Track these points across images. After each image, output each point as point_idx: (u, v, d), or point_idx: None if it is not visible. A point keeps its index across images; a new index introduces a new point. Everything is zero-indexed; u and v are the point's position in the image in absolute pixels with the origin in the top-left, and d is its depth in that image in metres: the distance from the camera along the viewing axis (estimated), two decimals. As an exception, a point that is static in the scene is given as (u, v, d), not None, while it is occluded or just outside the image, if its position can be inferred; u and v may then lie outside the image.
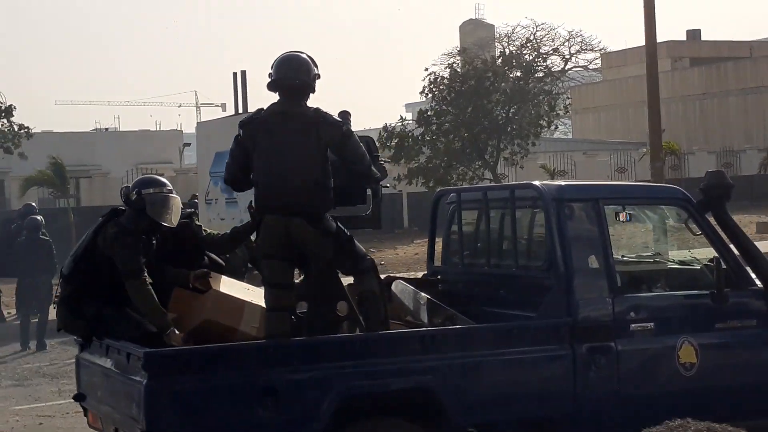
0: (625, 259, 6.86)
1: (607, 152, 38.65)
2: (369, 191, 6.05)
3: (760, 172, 36.94)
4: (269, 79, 5.42)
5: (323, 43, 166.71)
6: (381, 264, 20.03)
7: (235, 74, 17.35)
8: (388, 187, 6.40)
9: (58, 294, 5.90)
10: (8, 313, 15.08)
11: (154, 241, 5.88)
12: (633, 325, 5.81)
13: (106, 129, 49.01)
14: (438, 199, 7.10)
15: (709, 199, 6.20)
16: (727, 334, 6.05)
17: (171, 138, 43.53)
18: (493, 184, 25.13)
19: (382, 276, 6.06)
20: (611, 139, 45.38)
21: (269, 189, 5.31)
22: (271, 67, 5.43)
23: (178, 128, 48.46)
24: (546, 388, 5.61)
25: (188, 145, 36.89)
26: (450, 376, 5.35)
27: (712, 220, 6.29)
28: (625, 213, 6.40)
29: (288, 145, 5.28)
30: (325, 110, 5.41)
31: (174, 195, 5.88)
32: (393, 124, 25.59)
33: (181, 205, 5.94)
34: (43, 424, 8.89)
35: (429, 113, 25.54)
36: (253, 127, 5.42)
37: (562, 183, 6.30)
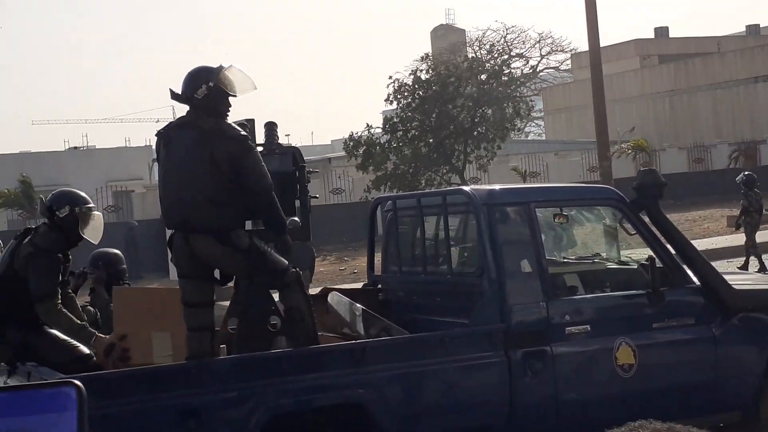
0: (563, 261, 6.79)
1: (578, 152, 38.68)
2: (298, 202, 5.97)
3: (731, 165, 37.10)
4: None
5: (300, 52, 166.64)
6: (354, 272, 19.88)
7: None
8: (317, 197, 6.31)
9: None
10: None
11: (69, 259, 5.77)
12: (568, 329, 5.72)
13: (76, 147, 48.67)
14: (375, 208, 7.01)
15: (642, 198, 6.14)
16: (665, 334, 5.98)
17: (141, 154, 43.25)
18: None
19: (319, 287, 5.96)
20: (583, 138, 45.45)
21: (167, 205, 5.20)
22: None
23: (148, 143, 48.18)
24: (482, 396, 5.52)
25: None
26: (382, 389, 5.24)
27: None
28: (562, 215, 6.34)
29: (181, 158, 5.16)
30: (231, 123, 5.26)
31: (98, 212, 5.86)
32: (359, 133, 25.55)
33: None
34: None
35: (395, 120, 25.49)
36: (158, 139, 5.34)
37: (495, 187, 6.21)
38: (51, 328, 5.46)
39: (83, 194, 5.89)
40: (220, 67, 5.33)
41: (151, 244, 22.05)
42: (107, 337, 5.53)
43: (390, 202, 6.94)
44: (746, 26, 59.91)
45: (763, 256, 16.02)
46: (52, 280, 5.45)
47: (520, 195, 6.04)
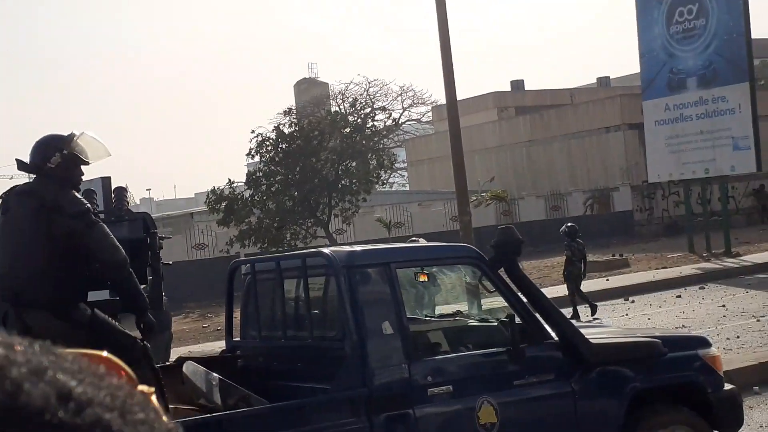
0: (426, 319, 6.76)
1: (441, 201, 39.32)
2: (149, 270, 5.74)
3: (586, 212, 38.44)
4: None
5: (162, 103, 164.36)
6: (218, 329, 19.39)
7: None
8: (170, 264, 6.08)
9: None
10: None
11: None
12: (431, 389, 5.66)
13: None
14: (233, 271, 6.82)
15: (500, 255, 6.18)
16: (525, 390, 5.99)
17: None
18: (323, 245, 25.04)
19: (182, 347, 5.71)
20: (446, 188, 46.28)
21: (2, 277, 4.91)
22: None
23: None
24: (345, 464, 5.37)
25: None
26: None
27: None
28: (424, 273, 6.32)
29: (17, 228, 4.91)
30: (74, 195, 5.02)
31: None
32: (221, 187, 25.23)
33: None
34: None
35: (258, 174, 25.32)
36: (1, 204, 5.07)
37: (355, 248, 6.14)
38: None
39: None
40: (72, 135, 5.11)
41: None
42: None
43: (248, 265, 6.77)
44: (597, 78, 62.69)
45: (597, 303, 16.55)
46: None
47: (380, 256, 5.98)
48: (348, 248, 6.14)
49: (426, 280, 6.49)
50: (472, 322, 6.61)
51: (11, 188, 5.19)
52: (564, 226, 16.86)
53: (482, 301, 7.21)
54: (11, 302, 4.86)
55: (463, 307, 7.28)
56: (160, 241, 5.79)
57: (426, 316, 7.10)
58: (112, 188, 6.26)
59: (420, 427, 5.55)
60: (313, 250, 6.44)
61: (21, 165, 5.12)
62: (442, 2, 19.36)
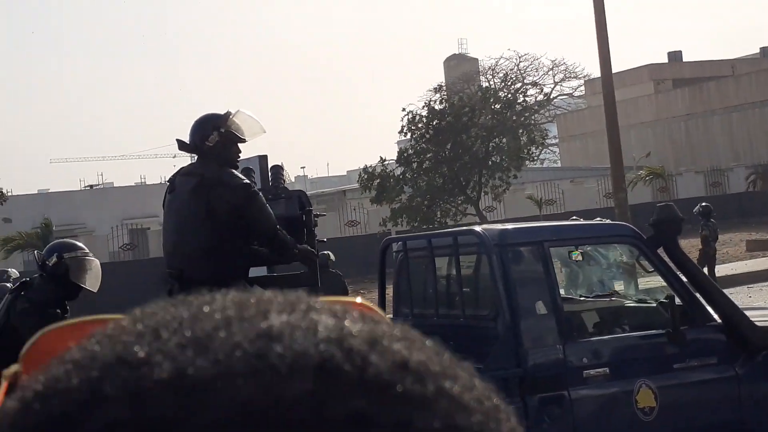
0: (580, 299, 6.61)
1: (594, 178, 38.49)
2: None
3: (748, 189, 36.77)
4: None
5: (315, 84, 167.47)
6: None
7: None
8: (324, 241, 6.16)
9: None
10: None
11: (68, 310, 5.63)
12: (586, 371, 5.54)
13: (92, 186, 48.87)
14: (385, 249, 6.86)
15: (659, 234, 5.96)
16: (686, 374, 5.77)
17: (156, 191, 43.25)
18: (474, 223, 24.92)
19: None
20: (599, 165, 45.27)
21: (167, 257, 5.10)
22: None
23: (164, 181, 48.40)
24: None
25: (174, 197, 36.75)
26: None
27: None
28: (578, 252, 6.19)
29: (180, 206, 5.07)
30: (233, 171, 5.17)
31: (94, 258, 5.67)
32: (373, 165, 25.46)
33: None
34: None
35: (409, 152, 25.41)
36: (167, 187, 5.26)
37: (507, 227, 6.06)
38: None
39: (78, 243, 5.76)
40: (228, 113, 5.24)
41: (157, 285, 21.87)
42: None
43: (400, 242, 6.79)
44: (760, 48, 59.70)
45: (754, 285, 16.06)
46: None
47: (533, 234, 5.88)
48: (500, 226, 6.06)
49: (581, 259, 6.35)
50: (629, 303, 6.42)
51: (178, 170, 5.39)
52: (698, 206, 16.46)
53: (639, 281, 6.99)
54: (176, 279, 5.04)
55: (620, 287, 7.08)
56: (315, 219, 5.87)
57: (581, 296, 6.95)
58: (269, 166, 6.38)
59: (575, 409, 5.44)
60: (464, 228, 6.40)
61: (181, 145, 5.30)
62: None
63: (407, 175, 25.18)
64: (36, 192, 49.49)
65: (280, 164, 6.06)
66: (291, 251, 5.30)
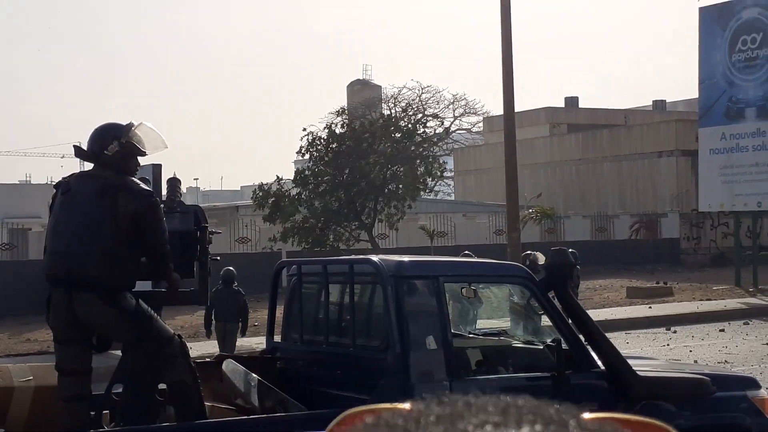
0: (470, 336, 6.64)
1: (486, 214, 39.11)
2: (197, 264, 5.69)
3: (632, 237, 37.94)
4: None
5: (215, 96, 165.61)
6: (255, 325, 19.42)
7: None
8: (218, 258, 6.03)
9: None
10: None
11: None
12: (471, 410, 5.55)
13: (-26, 181, 47.06)
14: (279, 271, 6.77)
15: (552, 278, 6.05)
16: (568, 418, 5.85)
17: (41, 191, 41.97)
18: (366, 249, 24.95)
19: (214, 353, 5.66)
20: (492, 201, 46.04)
21: (53, 254, 4.88)
22: None
23: (49, 181, 46.94)
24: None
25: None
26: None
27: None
28: (470, 289, 6.21)
29: (79, 208, 4.89)
30: (136, 179, 5.04)
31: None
32: (269, 183, 25.23)
33: None
34: None
35: (306, 173, 25.30)
36: (57, 188, 5.06)
37: (403, 258, 6.04)
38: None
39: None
40: (131, 125, 5.11)
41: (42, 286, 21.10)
42: None
43: (294, 266, 6.71)
44: (653, 101, 61.97)
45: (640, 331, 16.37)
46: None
47: (429, 268, 5.89)
48: (396, 257, 6.04)
49: (473, 296, 6.38)
50: (517, 344, 6.48)
51: (74, 173, 5.20)
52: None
53: (527, 322, 7.08)
54: (61, 282, 4.82)
55: (508, 326, 7.14)
56: (210, 236, 5.74)
57: (469, 333, 6.99)
58: (164, 178, 6.23)
59: (457, 446, 5.44)
60: (361, 257, 6.35)
61: (78, 151, 5.13)
62: (507, 13, 19.13)
63: (303, 195, 25.07)
64: None
65: (176, 177, 5.91)
66: (168, 271, 5.17)
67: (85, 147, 5.19)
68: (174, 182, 5.82)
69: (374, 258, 5.85)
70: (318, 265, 6.65)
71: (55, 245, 4.92)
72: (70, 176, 5.15)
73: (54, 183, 5.18)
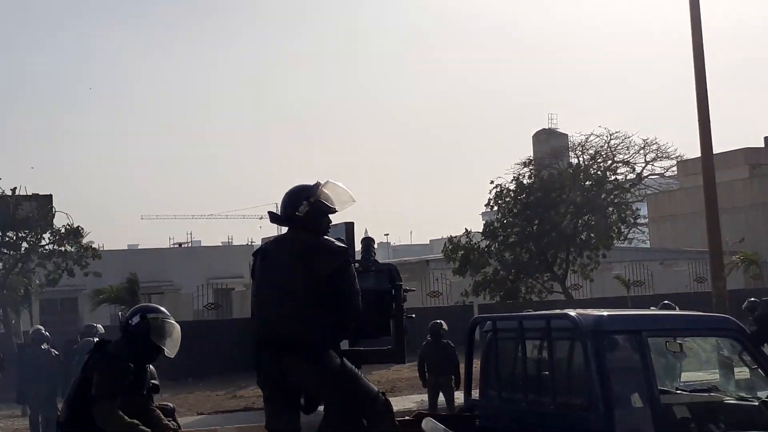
0: (677, 392, 6.32)
1: (685, 261, 37.54)
2: (392, 323, 5.72)
3: None
4: None
5: (404, 151, 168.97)
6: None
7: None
8: (413, 316, 6.04)
9: None
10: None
11: (146, 371, 5.62)
12: (683, 470, 5.26)
13: (180, 245, 49.72)
14: (474, 326, 6.71)
15: (763, 329, 5.69)
16: (790, 481, 5.43)
17: (242, 252, 43.82)
18: (560, 300, 24.43)
19: (413, 411, 5.64)
20: (689, 248, 44.20)
21: (260, 321, 5.02)
22: None
23: (249, 242, 48.97)
24: None
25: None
26: None
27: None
28: (675, 343, 5.92)
29: (278, 272, 5.03)
30: (329, 238, 5.15)
31: (176, 324, 5.69)
32: (458, 236, 25.28)
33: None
34: None
35: (495, 225, 25.18)
36: (256, 255, 5.23)
37: (603, 313, 5.84)
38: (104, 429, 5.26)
39: (161, 308, 5.81)
40: (318, 184, 5.25)
41: (244, 345, 21.84)
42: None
43: (489, 322, 6.63)
44: None
45: None
46: (114, 383, 5.29)
47: (631, 322, 5.67)
48: (595, 312, 5.85)
49: (679, 350, 6.08)
50: (729, 399, 6.11)
51: (269, 239, 5.39)
52: (746, 302, 15.61)
53: (738, 377, 6.68)
54: (269, 344, 4.95)
55: (716, 380, 6.76)
56: (405, 294, 5.77)
57: (677, 389, 6.66)
58: (358, 237, 6.35)
59: None
60: (558, 312, 6.20)
61: (273, 217, 5.30)
62: (700, 52, 18.42)
63: (492, 248, 24.94)
64: (126, 248, 50.60)
65: (370, 237, 6.00)
66: (352, 331, 5.22)
67: (278, 211, 5.37)
68: (368, 242, 5.91)
69: (572, 313, 5.69)
70: (513, 321, 6.54)
71: (259, 310, 5.08)
72: (266, 242, 5.34)
73: (254, 248, 5.36)
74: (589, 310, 5.93)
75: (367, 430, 5.01)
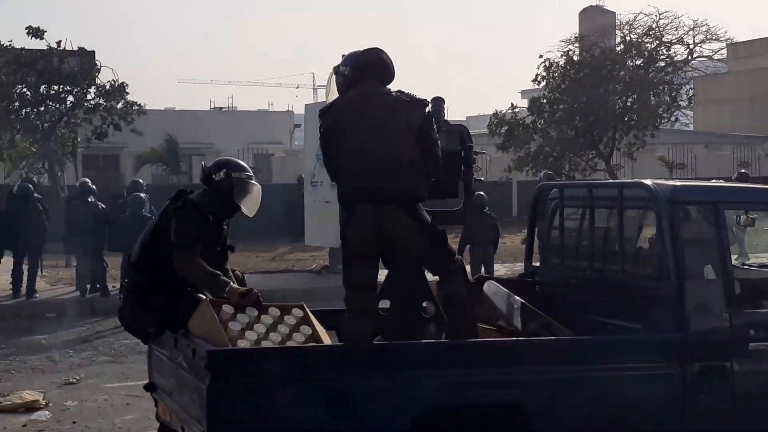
0: (746, 267, 6.21)
1: (730, 146, 36.98)
2: (461, 185, 5.61)
3: None
4: (346, 74, 5.10)
5: (437, 28, 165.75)
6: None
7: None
8: (482, 180, 5.91)
9: (125, 283, 5.64)
10: (113, 287, 15.15)
11: (225, 227, 5.57)
12: (752, 344, 5.20)
13: (221, 108, 49.59)
14: (539, 195, 6.57)
15: None
16: None
17: (282, 119, 43.74)
18: (602, 179, 24.21)
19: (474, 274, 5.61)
20: (735, 132, 43.44)
21: (358, 175, 4.88)
22: (345, 64, 5.13)
23: (290, 109, 48.72)
24: (649, 410, 5.05)
25: (299, 126, 37.00)
26: (540, 392, 4.86)
27: None
28: (748, 216, 5.77)
29: (376, 125, 4.88)
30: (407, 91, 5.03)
31: (257, 183, 5.60)
32: (504, 111, 24.92)
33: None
34: (130, 404, 8.69)
35: (542, 101, 24.74)
36: (335, 112, 5.04)
37: (677, 183, 5.68)
38: (185, 276, 5.26)
39: (244, 164, 5.71)
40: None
41: (283, 209, 21.94)
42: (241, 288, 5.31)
43: (556, 190, 6.48)
44: None
45: None
46: (193, 231, 5.26)
47: (707, 194, 5.52)
48: (671, 182, 5.70)
49: (752, 225, 5.93)
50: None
51: (344, 98, 5.13)
52: (736, 173, 15.26)
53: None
54: (369, 200, 4.85)
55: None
56: (474, 156, 5.63)
57: (743, 264, 6.54)
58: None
59: (737, 382, 5.13)
60: (633, 180, 6.04)
61: (378, 66, 5.10)
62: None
63: (537, 124, 24.58)
64: (164, 109, 50.56)
65: (441, 97, 5.80)
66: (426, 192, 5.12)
67: (343, 76, 5.14)
68: (438, 101, 5.73)
69: (647, 182, 5.53)
70: (582, 189, 6.39)
71: (360, 165, 4.88)
72: (346, 98, 5.09)
73: (320, 110, 5.17)
74: (662, 180, 5.77)
75: (456, 283, 5.01)
